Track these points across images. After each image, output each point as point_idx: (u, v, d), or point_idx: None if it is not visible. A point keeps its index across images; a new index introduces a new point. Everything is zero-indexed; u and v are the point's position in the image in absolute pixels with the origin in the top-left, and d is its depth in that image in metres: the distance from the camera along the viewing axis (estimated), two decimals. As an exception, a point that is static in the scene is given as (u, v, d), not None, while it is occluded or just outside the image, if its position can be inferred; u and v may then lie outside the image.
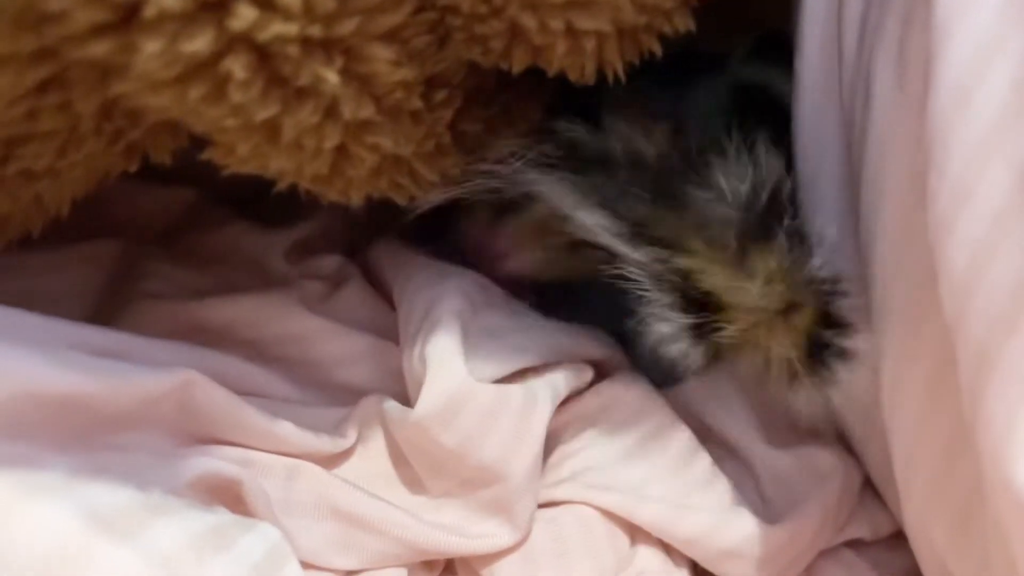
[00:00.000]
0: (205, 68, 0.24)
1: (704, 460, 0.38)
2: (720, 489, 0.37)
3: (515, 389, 0.34)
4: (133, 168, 0.32)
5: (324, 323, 0.39)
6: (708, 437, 0.39)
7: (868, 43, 0.31)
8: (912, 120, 0.27)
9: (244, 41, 0.24)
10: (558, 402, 0.36)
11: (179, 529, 0.23)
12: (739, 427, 0.39)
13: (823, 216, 0.35)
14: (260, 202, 0.44)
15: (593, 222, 0.32)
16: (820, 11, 0.35)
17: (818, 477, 0.37)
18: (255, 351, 0.38)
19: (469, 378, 0.33)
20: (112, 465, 0.26)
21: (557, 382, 0.36)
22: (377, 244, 0.44)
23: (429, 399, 0.32)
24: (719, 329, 0.31)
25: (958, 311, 0.24)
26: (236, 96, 0.25)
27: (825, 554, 0.37)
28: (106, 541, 0.18)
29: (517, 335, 0.37)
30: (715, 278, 0.31)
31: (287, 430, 0.33)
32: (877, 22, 0.31)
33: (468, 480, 0.34)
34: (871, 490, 0.39)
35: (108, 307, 0.38)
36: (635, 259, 0.32)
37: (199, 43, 0.23)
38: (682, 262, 0.31)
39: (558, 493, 0.36)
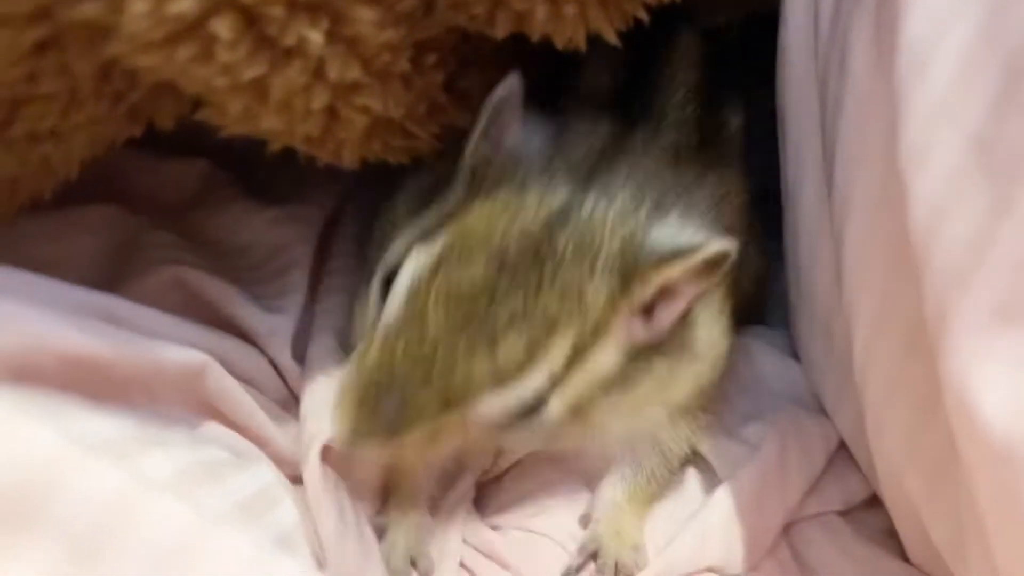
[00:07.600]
0: (192, 29, 0.25)
1: None
2: None
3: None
4: (138, 133, 0.33)
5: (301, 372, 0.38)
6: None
7: (844, 13, 0.31)
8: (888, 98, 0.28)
9: (229, 3, 0.25)
10: None
11: (170, 460, 0.24)
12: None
13: (808, 182, 0.36)
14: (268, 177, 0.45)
15: None
16: None
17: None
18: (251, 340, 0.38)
19: None
20: (113, 407, 0.27)
21: None
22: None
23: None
24: None
25: (920, 268, 0.25)
26: (224, 56, 0.26)
27: (806, 518, 0.38)
28: (94, 461, 0.19)
29: None
30: None
31: (278, 435, 0.34)
32: None
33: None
34: (843, 458, 0.39)
35: (113, 274, 0.39)
36: None
37: (184, 5, 0.25)
38: None
39: None
